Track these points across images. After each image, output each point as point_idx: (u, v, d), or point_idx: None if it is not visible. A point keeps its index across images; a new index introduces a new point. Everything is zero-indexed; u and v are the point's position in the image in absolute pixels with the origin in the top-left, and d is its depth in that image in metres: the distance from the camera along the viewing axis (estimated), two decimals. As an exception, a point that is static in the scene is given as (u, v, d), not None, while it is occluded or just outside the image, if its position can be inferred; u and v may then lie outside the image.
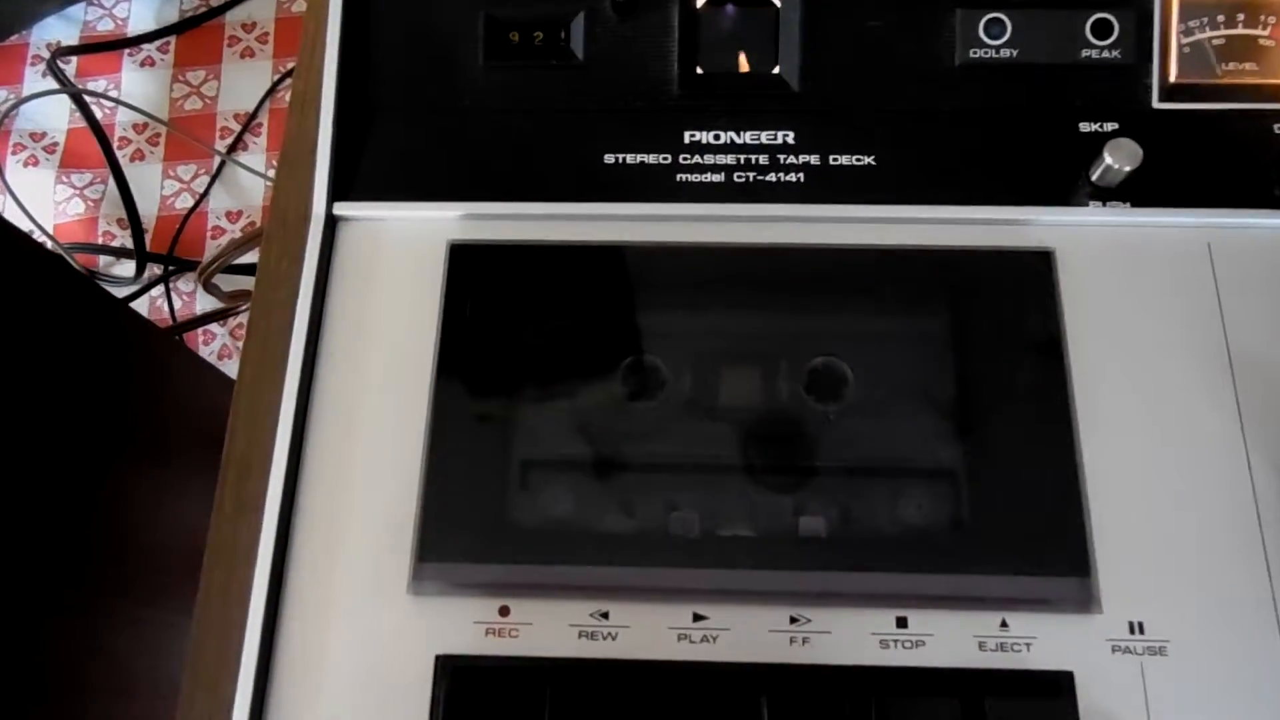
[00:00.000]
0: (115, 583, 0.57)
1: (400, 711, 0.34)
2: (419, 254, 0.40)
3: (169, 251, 0.94)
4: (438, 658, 0.34)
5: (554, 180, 0.41)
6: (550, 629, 0.34)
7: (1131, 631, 0.33)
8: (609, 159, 0.41)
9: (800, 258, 0.39)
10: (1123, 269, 0.38)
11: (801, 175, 0.40)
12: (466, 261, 0.39)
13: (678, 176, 0.41)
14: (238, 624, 0.34)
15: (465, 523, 0.36)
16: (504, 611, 0.35)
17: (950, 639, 0.34)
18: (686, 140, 0.41)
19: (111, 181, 0.94)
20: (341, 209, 0.40)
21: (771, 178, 0.40)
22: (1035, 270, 0.38)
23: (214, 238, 0.96)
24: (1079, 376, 0.37)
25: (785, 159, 0.40)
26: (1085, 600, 0.34)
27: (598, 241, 0.40)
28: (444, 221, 0.40)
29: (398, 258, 0.40)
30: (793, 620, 0.34)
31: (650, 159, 0.41)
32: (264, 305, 0.40)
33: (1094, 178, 0.39)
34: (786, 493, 0.36)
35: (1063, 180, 0.40)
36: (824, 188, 0.40)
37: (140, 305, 0.94)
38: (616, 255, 0.40)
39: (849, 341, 0.38)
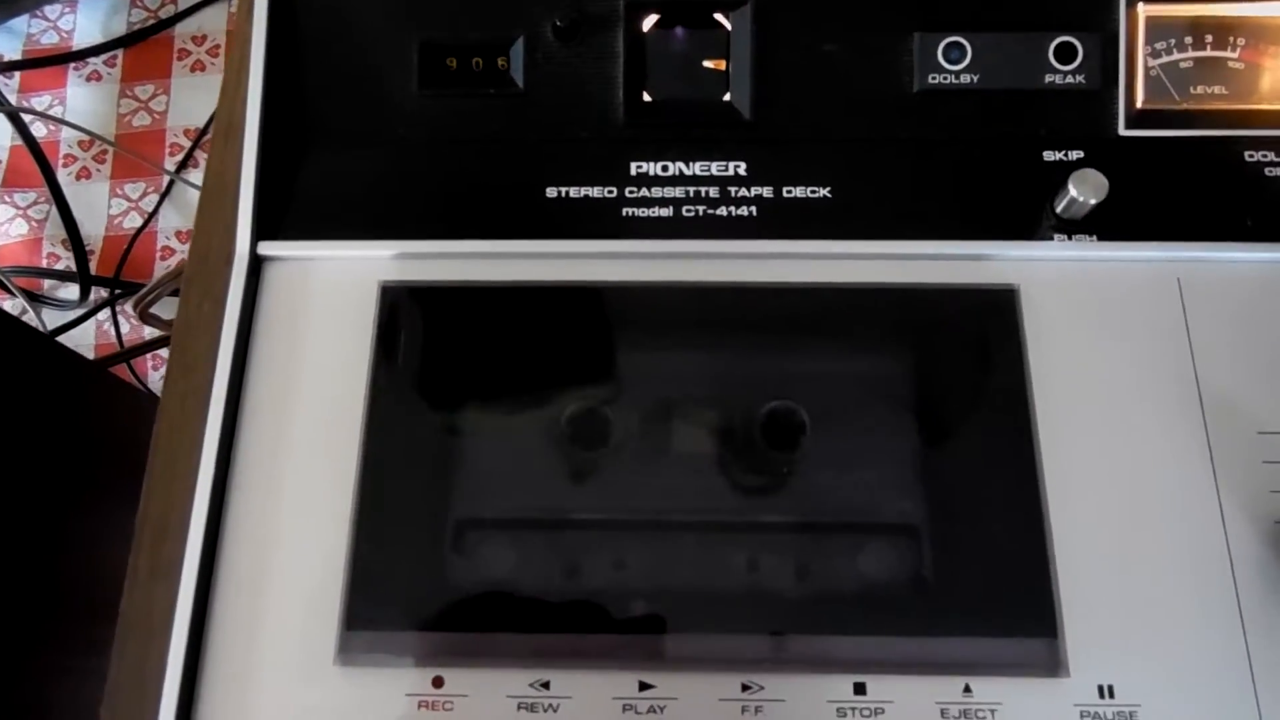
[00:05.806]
0: (45, 631, 0.55)
1: (326, 794, 0.31)
2: (349, 296, 0.37)
3: (115, 273, 0.91)
4: (366, 735, 0.32)
5: (493, 216, 0.38)
6: (487, 700, 0.32)
7: (1101, 695, 0.32)
8: (551, 193, 0.39)
9: (753, 297, 0.37)
10: (1089, 306, 0.37)
11: (754, 209, 0.38)
12: (399, 304, 0.37)
13: (624, 211, 0.39)
14: (152, 699, 0.32)
15: (396, 587, 0.33)
16: (438, 682, 0.32)
17: (911, 706, 0.32)
18: (633, 172, 0.39)
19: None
20: (266, 248, 0.38)
21: (722, 211, 0.38)
22: (998, 309, 0.36)
23: (163, 258, 0.93)
24: (1044, 422, 0.35)
25: (737, 191, 0.38)
26: (1052, 663, 0.32)
27: (539, 281, 0.38)
28: (376, 261, 0.38)
29: (327, 300, 0.38)
30: (744, 688, 0.32)
31: (595, 192, 0.39)
32: (182, 354, 0.38)
33: (1059, 210, 0.37)
34: (739, 551, 0.34)
35: (1026, 212, 0.38)
36: (777, 222, 0.38)
37: (87, 329, 0.91)
38: (559, 296, 0.37)
39: (805, 385, 0.36)
